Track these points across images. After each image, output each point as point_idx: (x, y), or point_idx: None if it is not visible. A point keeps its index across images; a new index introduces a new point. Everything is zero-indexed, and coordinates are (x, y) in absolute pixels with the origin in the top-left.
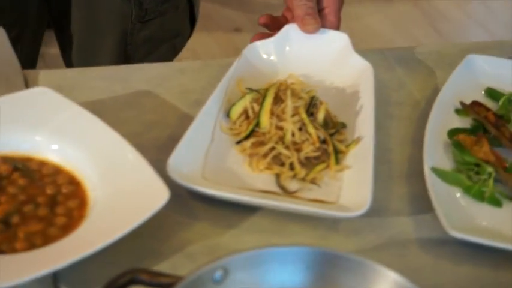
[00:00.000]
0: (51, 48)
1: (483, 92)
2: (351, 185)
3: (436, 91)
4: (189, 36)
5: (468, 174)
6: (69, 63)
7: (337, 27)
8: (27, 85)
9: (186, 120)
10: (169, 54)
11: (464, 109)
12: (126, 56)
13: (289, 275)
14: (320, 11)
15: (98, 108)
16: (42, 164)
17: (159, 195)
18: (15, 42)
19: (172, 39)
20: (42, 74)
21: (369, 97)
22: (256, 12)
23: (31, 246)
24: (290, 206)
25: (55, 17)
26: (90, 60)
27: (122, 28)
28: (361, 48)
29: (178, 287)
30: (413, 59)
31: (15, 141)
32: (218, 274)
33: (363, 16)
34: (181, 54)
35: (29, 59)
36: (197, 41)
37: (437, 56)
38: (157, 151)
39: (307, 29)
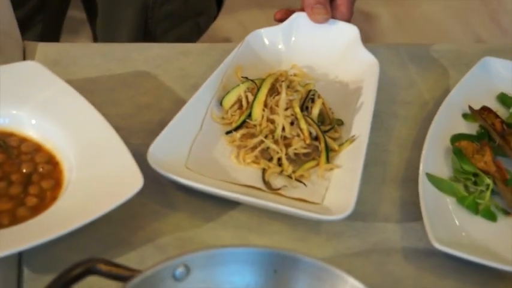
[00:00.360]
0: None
1: (496, 97)
2: (338, 186)
3: (447, 92)
4: (215, 17)
5: (465, 184)
6: (95, 33)
7: (348, 19)
8: (24, 57)
9: (180, 105)
10: (193, 32)
11: (472, 114)
12: (146, 31)
13: (253, 277)
14: (332, 1)
15: (91, 86)
16: (23, 140)
17: (133, 183)
18: (36, 11)
19: (196, 17)
20: (41, 46)
21: (370, 95)
22: None
23: None
24: (269, 205)
25: None
26: (112, 31)
27: (144, 1)
28: (413, 36)
29: (136, 281)
30: (427, 57)
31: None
32: (179, 271)
33: (422, 3)
34: (228, 28)
35: (51, 28)
36: (248, 18)
37: (453, 55)
38: (145, 135)
39: (316, 19)
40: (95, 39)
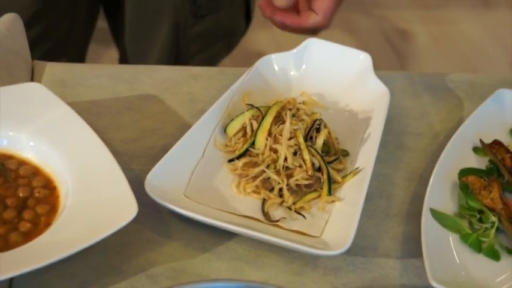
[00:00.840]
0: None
1: (509, 131)
2: (338, 219)
3: (459, 124)
4: (243, 34)
5: (470, 221)
6: (122, 50)
7: (321, 26)
8: (33, 77)
9: (186, 130)
10: (223, 51)
11: (482, 148)
12: (177, 50)
13: None
14: (309, 2)
15: (97, 109)
16: (22, 163)
17: (128, 211)
18: (65, 34)
19: (228, 37)
20: (49, 66)
21: (378, 125)
22: (347, 8)
23: None
24: (266, 238)
25: (108, 7)
26: (142, 50)
27: (175, 21)
28: (450, 55)
29: None
30: (442, 87)
31: None
32: None
33: (459, 21)
34: (261, 43)
35: (78, 50)
36: (282, 32)
37: (469, 86)
38: (147, 160)
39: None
40: (123, 55)
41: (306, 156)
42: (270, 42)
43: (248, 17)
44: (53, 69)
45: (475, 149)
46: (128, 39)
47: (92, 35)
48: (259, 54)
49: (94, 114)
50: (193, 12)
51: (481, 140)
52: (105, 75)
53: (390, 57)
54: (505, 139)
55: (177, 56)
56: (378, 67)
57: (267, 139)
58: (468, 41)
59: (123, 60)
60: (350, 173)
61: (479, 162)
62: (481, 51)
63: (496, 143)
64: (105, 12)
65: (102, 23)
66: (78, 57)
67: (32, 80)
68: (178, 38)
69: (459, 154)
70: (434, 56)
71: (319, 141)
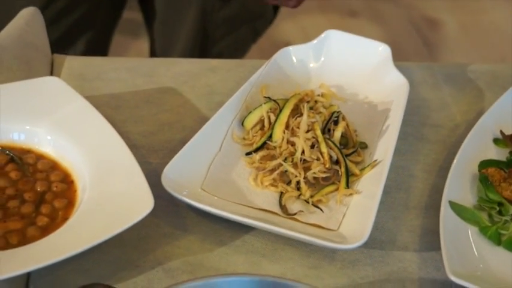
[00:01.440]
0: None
1: None
2: (356, 213)
3: (480, 116)
4: (271, 21)
5: (489, 213)
6: (152, 36)
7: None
8: (52, 71)
9: (203, 123)
10: (249, 36)
11: (503, 139)
12: (204, 34)
13: None
14: None
15: (115, 102)
16: (40, 157)
17: (144, 205)
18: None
19: (254, 21)
20: (68, 60)
21: (397, 117)
22: None
23: (6, 244)
24: (283, 231)
25: None
26: (170, 34)
27: (202, 5)
28: (480, 44)
29: None
30: (463, 77)
31: (16, 130)
32: None
33: (488, 10)
34: (289, 32)
35: (101, 41)
36: (310, 22)
37: (490, 77)
38: (165, 154)
39: None
40: (152, 42)
41: (324, 149)
42: (298, 32)
43: (276, 5)
44: (72, 62)
45: (496, 141)
46: (158, 25)
47: (116, 25)
48: (287, 45)
49: (113, 107)
50: None
51: (501, 131)
52: (124, 68)
53: (418, 46)
54: None
55: (203, 40)
56: (406, 57)
57: (284, 132)
58: (497, 31)
59: (153, 47)
60: (368, 165)
61: (500, 154)
62: (511, 40)
63: None
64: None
65: (131, 14)
66: (102, 47)
67: (51, 73)
68: (205, 23)
69: (479, 146)
70: (463, 45)
71: (337, 133)
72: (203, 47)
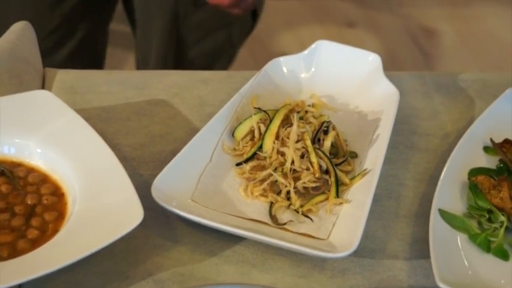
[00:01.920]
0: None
1: None
2: (345, 222)
3: (471, 124)
4: (249, 30)
5: (479, 221)
6: (136, 46)
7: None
8: (44, 84)
9: (195, 134)
10: (225, 43)
11: (493, 147)
12: (178, 39)
13: None
14: None
15: (106, 115)
16: (31, 171)
17: (134, 217)
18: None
19: (229, 27)
20: (60, 73)
21: (387, 127)
22: (373, 8)
23: None
24: (273, 241)
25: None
26: (148, 41)
27: (175, 9)
28: (477, 54)
29: None
30: (454, 86)
31: (6, 143)
32: None
33: (485, 19)
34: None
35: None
36: (307, 33)
37: (481, 85)
38: (156, 165)
39: None
40: (136, 51)
41: (313, 158)
42: (295, 43)
43: (254, 14)
44: (64, 76)
45: (486, 149)
46: (138, 33)
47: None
48: (284, 56)
49: (104, 120)
50: (193, 1)
51: (491, 140)
52: (115, 81)
53: (416, 56)
54: None
55: (177, 45)
56: (403, 66)
57: (274, 142)
58: (495, 39)
59: (136, 56)
60: (358, 174)
61: (490, 162)
62: (508, 48)
63: (507, 142)
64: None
65: (126, 27)
66: (96, 61)
67: (43, 87)
68: (178, 27)
69: (469, 154)
70: (460, 54)
71: (327, 143)
72: (177, 52)
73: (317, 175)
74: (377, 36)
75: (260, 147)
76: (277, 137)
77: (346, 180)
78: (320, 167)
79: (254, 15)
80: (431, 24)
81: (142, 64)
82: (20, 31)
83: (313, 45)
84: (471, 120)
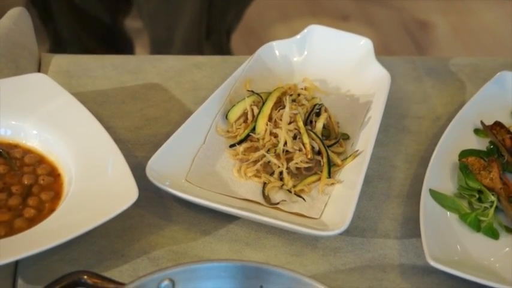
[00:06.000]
0: None
1: (510, 113)
2: (337, 201)
3: (461, 107)
4: None
5: (469, 201)
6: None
7: None
8: (40, 69)
9: (189, 117)
10: None
11: (483, 129)
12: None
13: None
14: None
15: (102, 98)
16: (27, 152)
17: (129, 196)
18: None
19: None
20: (55, 58)
21: (379, 109)
22: (367, 1)
23: None
24: (266, 220)
25: None
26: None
27: None
28: (471, 46)
29: None
30: (445, 70)
31: (3, 125)
32: (164, 284)
33: (479, 11)
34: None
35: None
36: (302, 26)
37: (472, 70)
38: (151, 148)
39: None
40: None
41: (306, 139)
42: (290, 36)
43: None
44: (59, 61)
45: (476, 131)
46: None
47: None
48: None
49: (99, 103)
50: None
51: (482, 122)
52: (110, 65)
53: (410, 48)
54: (506, 120)
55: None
56: None
57: (267, 124)
58: (489, 32)
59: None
60: (350, 156)
61: (480, 144)
62: (502, 41)
63: (497, 124)
64: None
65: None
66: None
67: (38, 71)
68: None
69: (460, 136)
70: (454, 47)
71: (319, 125)
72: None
73: (309, 156)
74: (371, 29)
75: (253, 129)
76: (270, 119)
77: (338, 161)
78: (312, 148)
79: None
80: (424, 17)
81: (158, 43)
82: (16, 16)
83: (305, 30)
84: (462, 104)
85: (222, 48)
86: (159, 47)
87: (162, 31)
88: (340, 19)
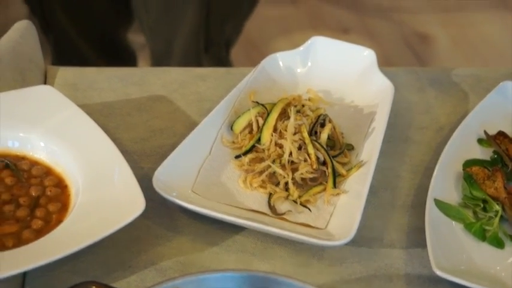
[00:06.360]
0: None
1: None
2: (343, 212)
3: (464, 117)
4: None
5: (474, 210)
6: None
7: None
8: (46, 81)
9: (194, 129)
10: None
11: (487, 139)
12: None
13: None
14: None
15: (108, 110)
16: (34, 164)
17: (136, 207)
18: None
19: None
20: (61, 70)
21: (382, 120)
22: (367, 14)
23: (1, 247)
24: (272, 230)
25: None
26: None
27: None
28: (470, 58)
29: None
30: (448, 81)
31: (10, 137)
32: None
33: (479, 24)
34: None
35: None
36: (303, 39)
37: (474, 80)
38: (157, 159)
39: None
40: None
41: (311, 150)
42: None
43: None
44: (65, 73)
45: (480, 141)
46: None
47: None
48: None
49: (105, 115)
50: None
51: (485, 132)
52: (115, 78)
53: (411, 60)
54: (509, 130)
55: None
56: None
57: (272, 135)
58: (488, 43)
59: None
60: (354, 166)
61: (484, 153)
62: (502, 53)
63: (500, 134)
64: None
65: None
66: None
67: (45, 84)
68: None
69: (464, 145)
70: (454, 59)
71: (324, 135)
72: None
73: (314, 166)
74: (372, 42)
75: (258, 140)
76: (275, 129)
77: (343, 171)
78: (317, 158)
79: None
80: (425, 30)
81: (158, 56)
82: (23, 29)
83: (308, 41)
84: (464, 114)
85: (221, 61)
86: (159, 60)
87: (161, 43)
88: (341, 32)
